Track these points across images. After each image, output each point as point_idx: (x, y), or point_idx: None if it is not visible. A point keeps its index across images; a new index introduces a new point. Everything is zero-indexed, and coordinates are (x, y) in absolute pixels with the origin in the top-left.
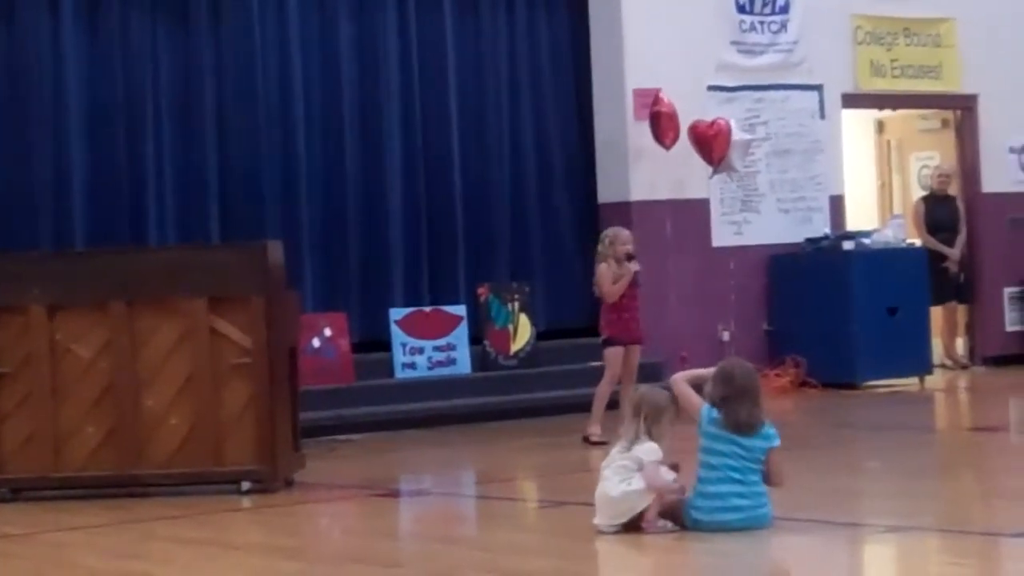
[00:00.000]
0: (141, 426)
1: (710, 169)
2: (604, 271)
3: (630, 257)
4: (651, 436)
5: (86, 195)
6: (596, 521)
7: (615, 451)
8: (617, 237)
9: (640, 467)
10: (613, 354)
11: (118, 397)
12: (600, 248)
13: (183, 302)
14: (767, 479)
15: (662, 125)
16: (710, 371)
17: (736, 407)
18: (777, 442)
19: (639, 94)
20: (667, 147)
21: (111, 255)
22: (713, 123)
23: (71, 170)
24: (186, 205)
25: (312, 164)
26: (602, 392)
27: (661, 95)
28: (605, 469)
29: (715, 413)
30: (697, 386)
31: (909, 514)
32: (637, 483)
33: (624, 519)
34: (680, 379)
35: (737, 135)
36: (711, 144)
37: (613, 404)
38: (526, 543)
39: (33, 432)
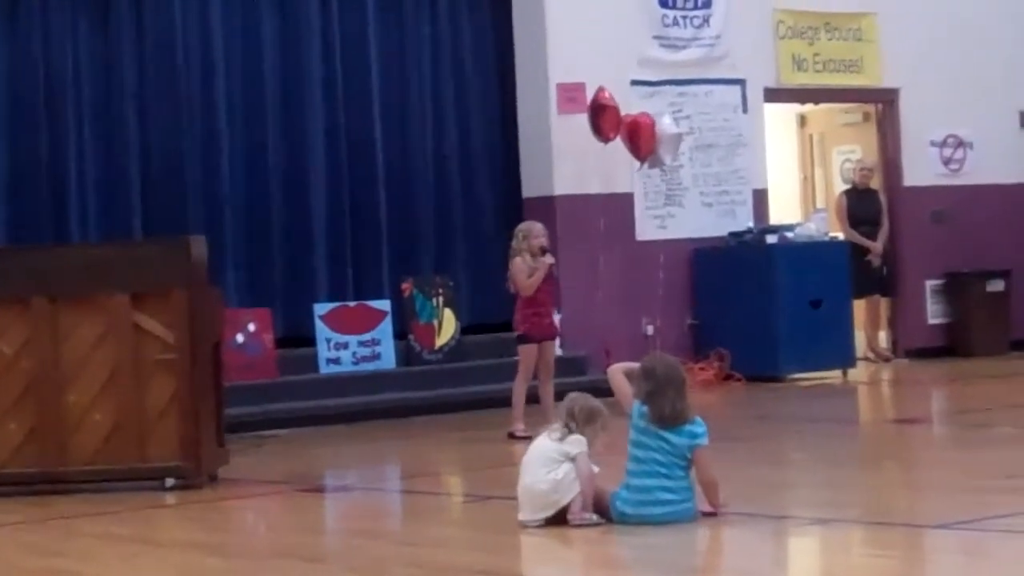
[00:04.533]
0: (64, 423)
1: (635, 163)
2: (519, 265)
3: (544, 251)
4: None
5: (6, 191)
6: (521, 517)
7: (541, 438)
8: (531, 231)
9: (567, 459)
10: (527, 351)
11: (40, 394)
12: (514, 243)
13: (105, 298)
14: (698, 479)
15: (606, 119)
16: None
17: (660, 401)
18: (703, 441)
19: (562, 88)
20: (608, 141)
21: (33, 251)
22: (637, 117)
23: None
24: (108, 200)
25: (235, 159)
26: (518, 389)
27: (603, 89)
28: (529, 463)
29: (644, 408)
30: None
31: (833, 506)
32: (565, 472)
33: (551, 511)
34: (617, 370)
35: (667, 129)
36: (638, 138)
37: (534, 399)
38: (452, 537)
39: None
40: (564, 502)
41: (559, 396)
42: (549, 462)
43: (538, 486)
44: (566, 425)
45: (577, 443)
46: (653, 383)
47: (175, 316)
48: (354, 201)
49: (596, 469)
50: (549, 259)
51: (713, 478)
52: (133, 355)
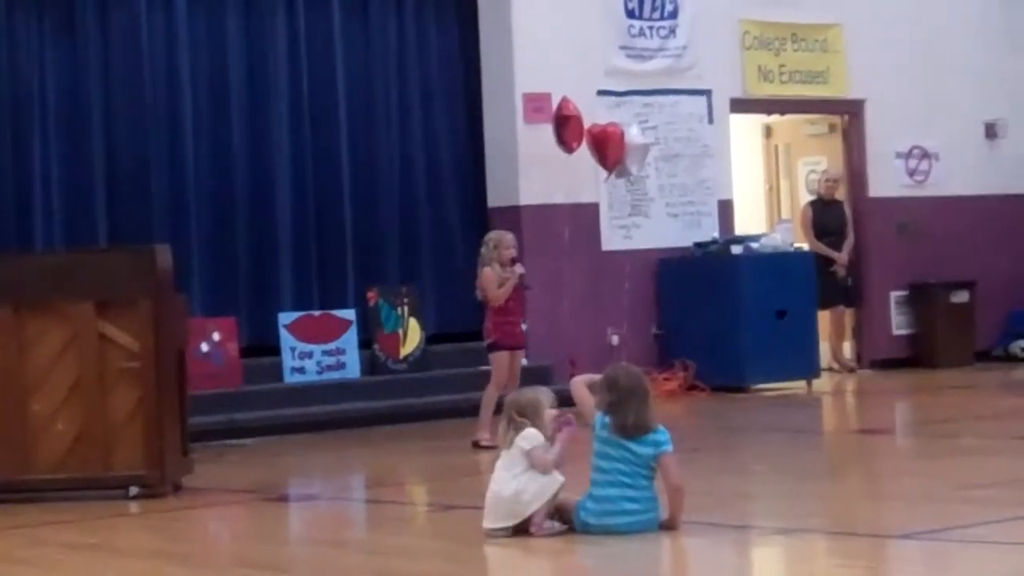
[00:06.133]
0: (28, 431)
1: (601, 173)
2: (489, 275)
3: (514, 261)
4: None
5: None
6: (485, 524)
7: (499, 463)
8: (501, 241)
9: (526, 455)
10: (499, 359)
11: (4, 402)
12: (484, 252)
13: (70, 306)
14: (665, 485)
15: (570, 129)
16: None
17: (623, 411)
18: (668, 447)
19: (529, 98)
20: (572, 151)
21: None
22: (606, 127)
23: None
24: (73, 208)
25: (200, 167)
26: (489, 397)
27: (567, 100)
28: (497, 470)
29: (607, 419)
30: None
31: (797, 516)
32: (527, 482)
33: (516, 520)
34: (579, 382)
35: (635, 140)
36: (606, 148)
37: (499, 410)
38: (415, 547)
39: None
40: (527, 513)
41: None
42: (511, 465)
43: (503, 492)
44: (515, 422)
45: (530, 438)
46: (616, 394)
47: (140, 325)
48: (319, 210)
49: (556, 451)
50: (519, 269)
51: (679, 484)
52: (97, 364)
